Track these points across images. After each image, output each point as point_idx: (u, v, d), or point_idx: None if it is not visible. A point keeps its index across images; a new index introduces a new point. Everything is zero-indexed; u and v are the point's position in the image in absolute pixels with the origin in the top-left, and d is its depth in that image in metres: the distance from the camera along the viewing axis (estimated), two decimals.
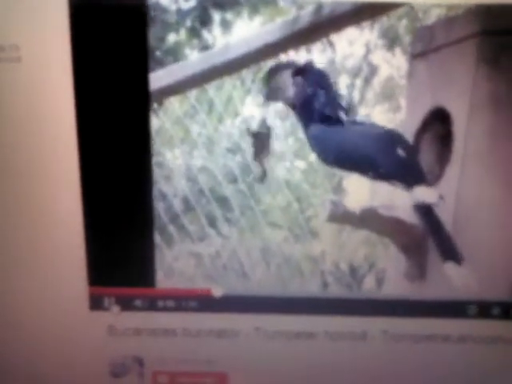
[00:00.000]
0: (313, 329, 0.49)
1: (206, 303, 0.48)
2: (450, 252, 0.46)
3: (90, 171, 0.45)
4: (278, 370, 0.50)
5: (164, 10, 0.42)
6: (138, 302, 0.48)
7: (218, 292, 0.48)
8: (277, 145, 0.46)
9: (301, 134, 0.46)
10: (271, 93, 0.45)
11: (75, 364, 0.50)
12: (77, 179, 0.45)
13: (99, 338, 0.50)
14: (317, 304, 0.49)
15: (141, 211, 0.46)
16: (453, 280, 0.46)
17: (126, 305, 0.49)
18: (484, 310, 0.48)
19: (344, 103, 0.45)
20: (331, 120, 0.45)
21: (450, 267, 0.46)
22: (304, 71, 0.44)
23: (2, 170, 0.45)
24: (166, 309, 0.49)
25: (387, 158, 0.46)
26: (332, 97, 0.45)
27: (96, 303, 0.48)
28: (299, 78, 0.45)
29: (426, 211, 0.46)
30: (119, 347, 0.50)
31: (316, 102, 0.45)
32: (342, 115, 0.45)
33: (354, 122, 0.45)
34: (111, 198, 0.46)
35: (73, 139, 0.44)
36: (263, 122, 0.45)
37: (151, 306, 0.49)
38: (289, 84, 0.45)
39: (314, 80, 0.45)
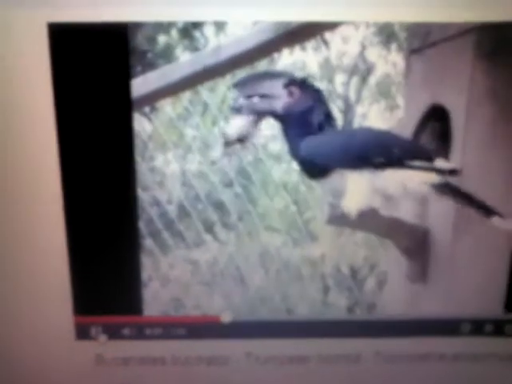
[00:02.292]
0: (306, 352, 0.48)
1: (195, 330, 0.47)
2: (488, 210, 0.45)
3: (72, 196, 0.44)
4: None
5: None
6: (125, 331, 0.47)
7: (227, 317, 0.47)
8: (273, 146, 0.45)
9: None
10: (251, 101, 0.44)
11: None
12: (60, 204, 0.44)
13: (87, 368, 0.48)
14: (309, 327, 0.48)
15: (127, 236, 0.45)
16: (501, 230, 0.45)
17: (114, 333, 0.47)
18: (477, 327, 0.48)
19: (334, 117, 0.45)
20: (325, 132, 0.45)
21: (496, 220, 0.45)
22: (298, 84, 0.44)
23: None
24: (154, 337, 0.47)
25: (399, 141, 0.45)
26: (325, 111, 0.44)
27: (82, 332, 0.47)
28: (294, 90, 0.44)
29: (445, 186, 0.45)
30: (107, 377, 0.49)
31: (309, 118, 0.44)
32: (334, 128, 0.45)
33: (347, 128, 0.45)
34: (95, 223, 0.45)
35: (55, 165, 0.43)
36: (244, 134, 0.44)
37: (139, 334, 0.47)
38: (278, 95, 0.44)
39: (308, 94, 0.44)
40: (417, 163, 0.44)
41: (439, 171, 0.44)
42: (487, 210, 0.45)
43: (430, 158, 0.45)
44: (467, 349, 0.48)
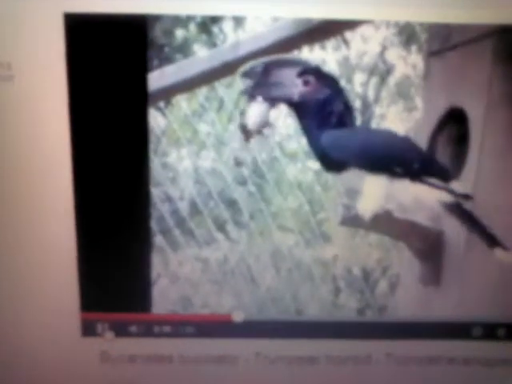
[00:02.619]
0: (315, 353, 0.48)
1: (204, 328, 0.47)
2: (493, 239, 0.44)
3: (83, 191, 0.43)
4: None
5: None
6: (133, 328, 0.47)
7: (239, 317, 0.46)
8: (289, 144, 0.44)
9: None
10: (265, 87, 0.43)
11: None
12: (70, 199, 0.43)
13: (92, 366, 0.48)
14: (319, 328, 0.47)
15: (137, 232, 0.44)
16: (505, 263, 0.45)
17: (121, 331, 0.47)
18: (489, 331, 0.47)
19: (354, 109, 0.44)
20: (344, 125, 0.44)
21: (498, 252, 0.44)
22: (313, 73, 0.43)
23: None
24: (162, 335, 0.47)
25: (421, 155, 0.44)
26: (344, 102, 0.43)
27: (88, 329, 0.46)
28: (310, 79, 0.43)
29: (456, 207, 0.45)
30: (113, 375, 0.48)
31: (328, 107, 0.43)
32: (354, 120, 0.44)
33: (368, 126, 0.44)
34: (105, 217, 0.44)
35: (67, 160, 0.42)
36: (262, 123, 0.43)
37: (147, 331, 0.47)
38: (293, 83, 0.43)
39: (325, 83, 0.43)
40: (433, 181, 0.44)
41: (453, 193, 0.44)
42: (492, 240, 0.44)
43: (447, 178, 0.45)
44: (479, 353, 0.48)
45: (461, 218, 0.45)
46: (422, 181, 0.44)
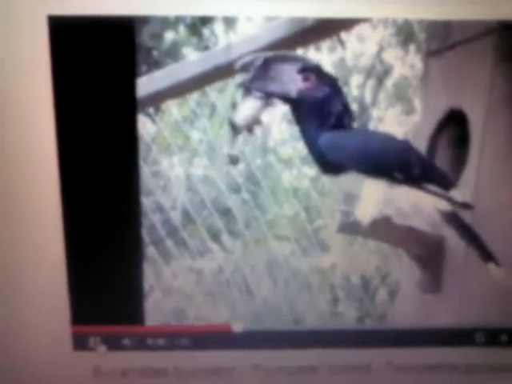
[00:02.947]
0: (314, 363, 0.46)
1: (200, 340, 0.45)
2: (487, 254, 0.43)
3: (70, 201, 0.41)
4: None
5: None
6: (125, 341, 0.45)
7: (238, 327, 0.45)
8: (284, 150, 0.43)
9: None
10: (263, 81, 0.41)
11: None
12: (58, 209, 0.41)
13: (84, 380, 0.46)
14: (317, 337, 0.46)
15: (128, 243, 0.43)
16: (495, 281, 0.44)
17: (113, 344, 0.45)
18: (491, 337, 0.46)
19: (353, 110, 0.42)
20: (342, 126, 0.42)
21: (491, 267, 0.43)
22: (314, 70, 0.41)
23: None
24: (156, 347, 0.45)
25: (421, 161, 0.43)
26: (343, 102, 0.42)
27: (80, 343, 0.45)
28: (311, 76, 0.41)
29: (453, 217, 0.43)
30: None
31: (327, 107, 0.42)
32: (353, 122, 0.42)
33: (367, 129, 0.42)
34: (94, 227, 0.42)
35: (53, 168, 0.40)
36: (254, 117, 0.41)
37: (140, 344, 0.45)
38: (292, 79, 0.41)
39: (325, 82, 0.41)
40: (433, 188, 0.43)
41: (452, 201, 0.43)
42: (486, 254, 0.43)
43: (446, 185, 0.43)
44: (481, 359, 0.47)
45: (457, 228, 0.44)
46: (421, 187, 0.43)
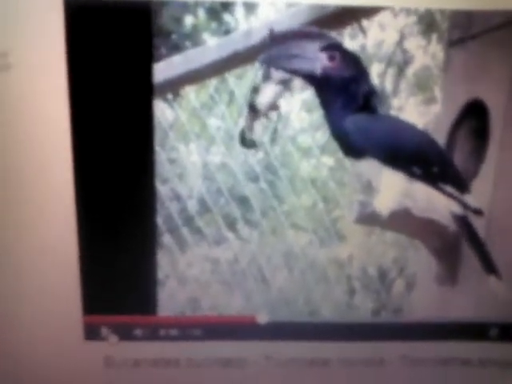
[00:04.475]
0: (326, 356, 0.46)
1: (212, 331, 0.45)
2: (490, 265, 0.43)
3: (84, 188, 0.41)
4: None
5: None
6: (138, 331, 0.45)
7: (263, 319, 0.44)
8: (302, 139, 0.42)
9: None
10: (286, 59, 0.40)
11: None
12: (71, 196, 0.41)
13: (95, 370, 0.46)
14: (331, 329, 0.46)
15: (143, 232, 0.42)
16: (496, 295, 0.44)
17: (125, 334, 0.45)
18: (506, 332, 0.46)
19: (378, 92, 0.41)
20: (368, 109, 0.41)
21: (492, 280, 0.43)
22: (338, 49, 0.40)
23: None
24: (168, 338, 0.45)
25: (442, 160, 0.42)
26: (369, 84, 0.41)
27: (92, 333, 0.45)
28: (336, 55, 0.40)
29: (464, 221, 0.43)
30: (117, 379, 0.46)
31: (353, 87, 0.41)
32: (378, 106, 0.41)
33: (388, 115, 0.42)
34: (108, 215, 0.42)
35: (67, 155, 0.40)
36: (273, 102, 0.41)
37: (153, 335, 0.45)
38: (316, 56, 0.40)
39: (349, 61, 0.40)
40: (449, 189, 0.42)
41: (465, 206, 0.43)
42: (488, 266, 0.43)
43: (462, 188, 0.43)
44: (495, 354, 0.46)
45: (465, 233, 0.44)
46: (437, 186, 0.42)
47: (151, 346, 0.45)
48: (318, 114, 0.41)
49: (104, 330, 0.44)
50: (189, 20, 0.39)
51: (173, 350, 0.45)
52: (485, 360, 0.47)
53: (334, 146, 0.41)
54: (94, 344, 0.45)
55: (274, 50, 0.39)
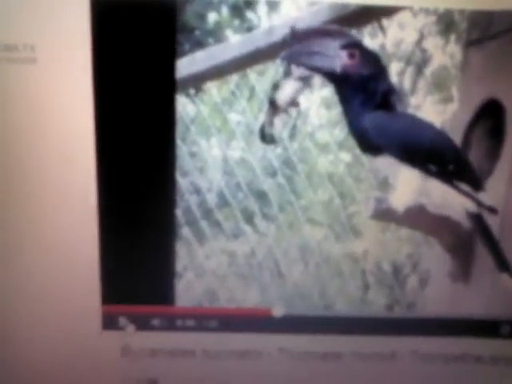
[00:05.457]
0: (340, 349, 0.47)
1: (228, 323, 0.46)
2: (503, 263, 0.44)
3: (107, 179, 0.41)
4: None
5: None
6: (155, 321, 0.45)
7: (279, 312, 0.45)
8: (320, 135, 0.43)
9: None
10: (307, 56, 0.41)
11: None
12: (93, 187, 0.42)
13: (112, 359, 0.46)
14: (345, 323, 0.46)
15: (163, 223, 0.43)
16: (509, 292, 0.45)
17: (142, 324, 0.45)
18: None
19: (397, 91, 0.42)
20: (387, 107, 0.42)
21: (504, 277, 0.44)
22: (358, 47, 0.41)
23: (15, 178, 0.41)
24: (185, 328, 0.46)
25: (458, 158, 0.43)
26: (388, 82, 0.41)
27: (109, 322, 0.45)
28: (356, 53, 0.41)
29: (478, 219, 0.44)
30: (134, 368, 0.47)
31: (373, 85, 0.41)
32: (397, 104, 0.42)
33: (406, 113, 0.42)
34: (129, 206, 0.42)
35: (91, 144, 0.41)
36: (293, 98, 0.41)
37: (169, 325, 0.45)
38: (336, 54, 0.41)
39: (369, 59, 0.41)
40: (464, 187, 0.43)
41: (480, 204, 0.43)
42: (502, 264, 0.44)
43: (477, 186, 0.43)
44: (506, 351, 0.47)
45: (479, 231, 0.44)
46: (452, 184, 0.43)
47: (168, 336, 0.45)
48: (337, 111, 0.42)
49: (122, 320, 0.45)
50: (212, 17, 0.40)
51: (189, 340, 0.46)
52: (496, 357, 0.47)
53: (351, 142, 0.42)
54: (112, 333, 0.45)
55: (295, 47, 0.40)
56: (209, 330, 0.45)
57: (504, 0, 0.39)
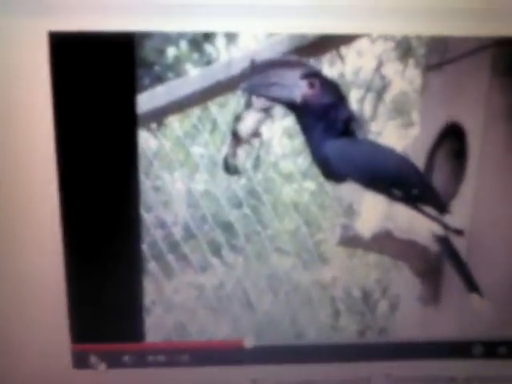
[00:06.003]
0: (313, 378, 0.46)
1: (198, 356, 0.45)
2: (472, 284, 0.44)
3: (70, 216, 0.41)
4: None
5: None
6: (126, 359, 0.45)
7: (250, 342, 0.45)
8: (284, 164, 0.43)
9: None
10: (267, 87, 0.41)
11: None
12: (57, 224, 0.41)
13: None
14: (317, 351, 0.46)
15: (129, 259, 0.43)
16: (479, 313, 0.44)
17: (114, 361, 0.45)
18: (490, 349, 0.47)
19: (358, 117, 0.42)
20: (348, 135, 0.42)
21: (474, 298, 0.44)
22: (317, 76, 0.41)
23: None
24: (156, 364, 0.45)
25: (421, 182, 0.43)
26: (348, 109, 0.42)
27: (80, 361, 0.45)
28: (315, 82, 0.41)
29: (445, 241, 0.44)
30: None
31: (333, 114, 0.42)
32: (357, 131, 0.42)
33: (367, 140, 0.42)
34: (94, 243, 0.42)
35: (54, 183, 0.40)
36: (255, 129, 0.42)
37: (141, 362, 0.45)
38: (296, 84, 0.41)
39: (328, 88, 0.41)
40: (429, 210, 0.43)
41: (446, 226, 0.44)
42: (470, 285, 0.44)
43: (442, 209, 0.44)
44: (479, 372, 0.47)
45: (447, 253, 0.44)
46: (417, 208, 0.43)
47: (139, 373, 0.45)
48: (300, 140, 0.42)
49: (92, 358, 0.44)
50: (171, 51, 0.40)
51: (161, 376, 0.45)
52: (470, 378, 0.47)
53: (315, 170, 0.42)
54: (83, 372, 0.45)
55: (254, 78, 0.40)
56: (180, 364, 0.45)
57: (459, 26, 0.39)
